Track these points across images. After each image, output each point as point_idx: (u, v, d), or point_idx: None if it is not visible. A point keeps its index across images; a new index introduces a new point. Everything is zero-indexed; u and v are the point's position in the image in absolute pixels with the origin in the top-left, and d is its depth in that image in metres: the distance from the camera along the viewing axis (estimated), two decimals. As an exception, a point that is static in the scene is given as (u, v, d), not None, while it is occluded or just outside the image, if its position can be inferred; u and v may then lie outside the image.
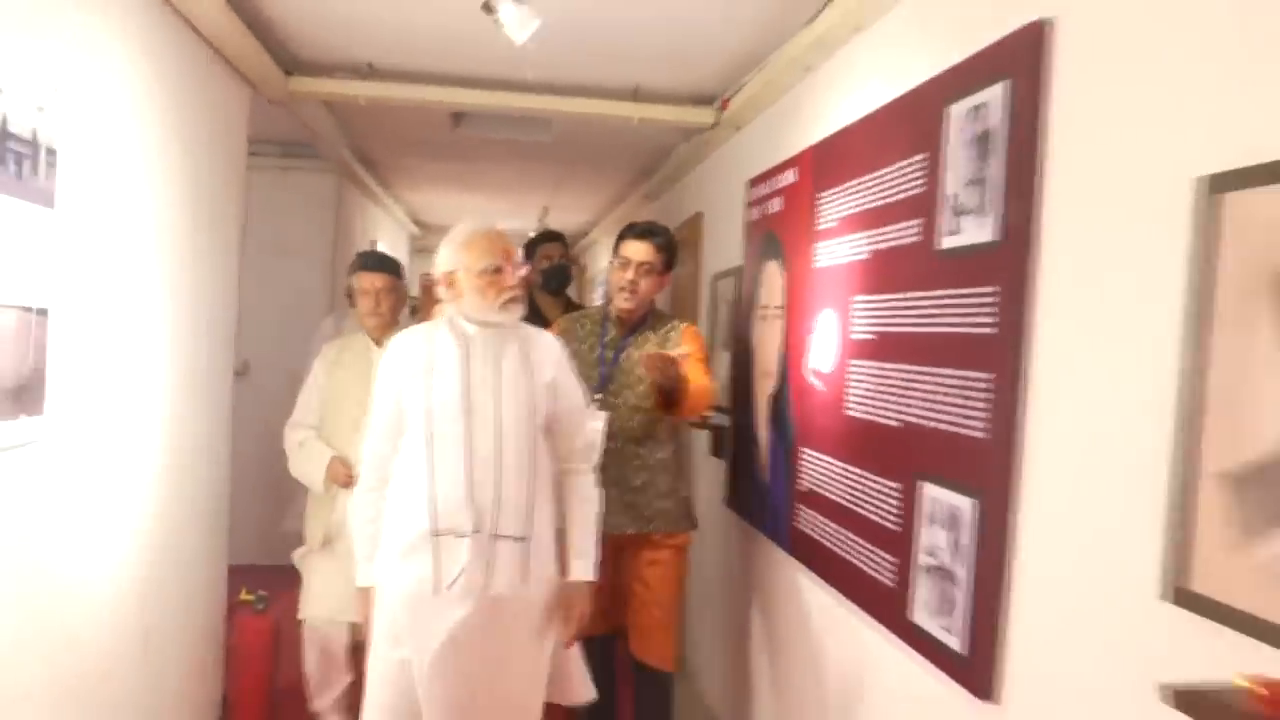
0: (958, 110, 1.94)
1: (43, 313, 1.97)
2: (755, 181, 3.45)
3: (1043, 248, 1.66)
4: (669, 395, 2.78)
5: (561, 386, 2.46)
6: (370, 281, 3.21)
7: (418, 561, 2.28)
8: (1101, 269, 1.51)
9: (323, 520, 3.15)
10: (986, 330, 1.79)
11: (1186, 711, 1.13)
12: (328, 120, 4.33)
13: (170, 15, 2.64)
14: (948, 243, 1.96)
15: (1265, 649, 1.14)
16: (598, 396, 2.94)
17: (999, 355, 1.74)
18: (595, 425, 2.77)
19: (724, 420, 3.66)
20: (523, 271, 2.41)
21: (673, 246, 3.08)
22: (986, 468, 1.77)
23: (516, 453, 2.33)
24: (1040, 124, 1.68)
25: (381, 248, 6.03)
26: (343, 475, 3.02)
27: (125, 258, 2.43)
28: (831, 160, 2.69)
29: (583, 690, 2.55)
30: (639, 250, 2.98)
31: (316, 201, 5.33)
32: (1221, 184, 1.24)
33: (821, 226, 2.72)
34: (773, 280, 3.18)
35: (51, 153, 1.97)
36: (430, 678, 2.29)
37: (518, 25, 2.34)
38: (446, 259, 2.37)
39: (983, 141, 1.84)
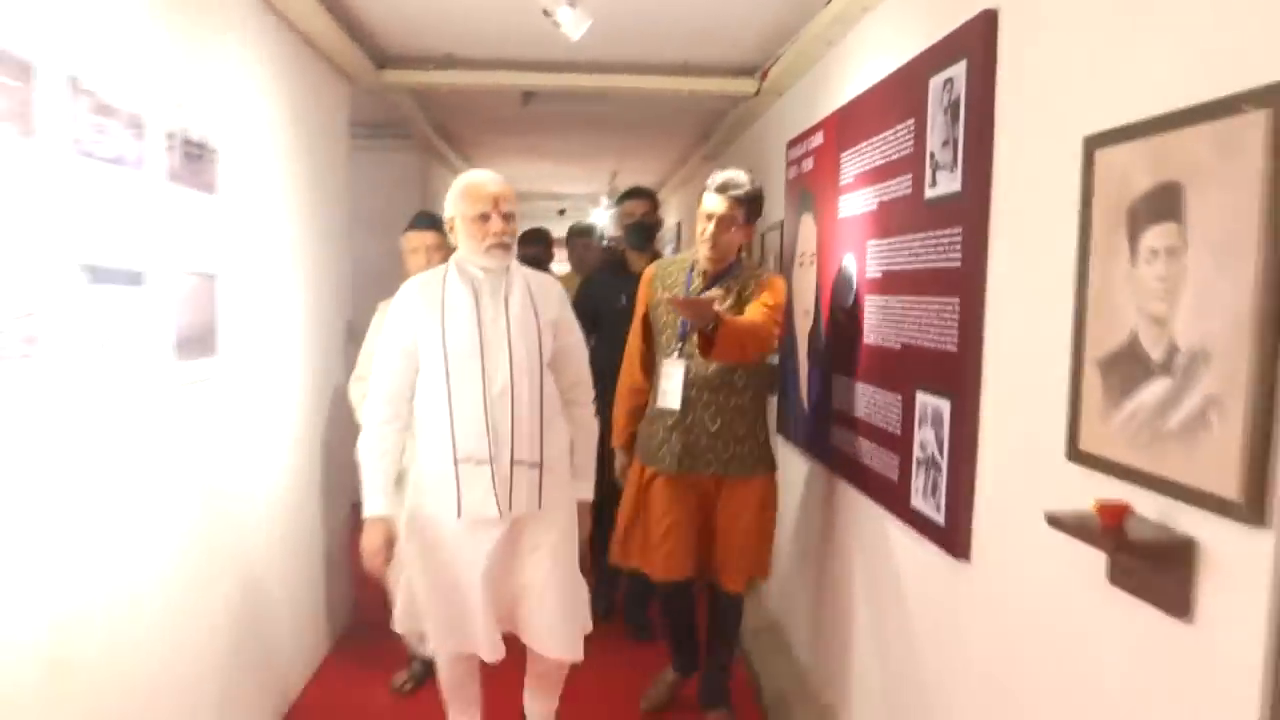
0: (935, 82, 2.34)
1: (211, 277, 2.53)
2: (792, 143, 3.86)
3: (992, 195, 2.07)
4: (707, 337, 2.81)
5: (562, 324, 2.66)
6: (420, 240, 3.33)
7: (444, 488, 2.48)
8: (1028, 212, 1.92)
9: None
10: (955, 265, 2.20)
11: (1056, 528, 1.58)
12: (413, 104, 4.86)
13: (285, 28, 3.17)
14: (929, 194, 2.37)
15: (1121, 484, 1.56)
16: (679, 344, 3.07)
17: (964, 284, 2.16)
18: (672, 373, 3.02)
19: (773, 360, 4.07)
20: (508, 221, 2.50)
21: (755, 198, 3.06)
22: (959, 374, 2.19)
23: (528, 386, 2.51)
24: (991, 94, 2.08)
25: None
26: None
27: (265, 232, 2.99)
28: (850, 124, 3.09)
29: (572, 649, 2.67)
30: (716, 203, 3.01)
31: (404, 177, 5.88)
32: (1094, 143, 1.64)
33: (843, 183, 3.13)
34: (807, 231, 3.60)
35: (213, 151, 2.52)
36: (473, 593, 2.51)
37: (573, 26, 2.79)
38: (449, 206, 2.55)
39: (953, 109, 2.24)
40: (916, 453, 2.44)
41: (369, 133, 5.62)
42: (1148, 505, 1.49)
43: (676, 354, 3.07)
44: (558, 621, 2.59)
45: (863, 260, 2.90)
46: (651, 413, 3.15)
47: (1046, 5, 1.89)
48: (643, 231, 4.18)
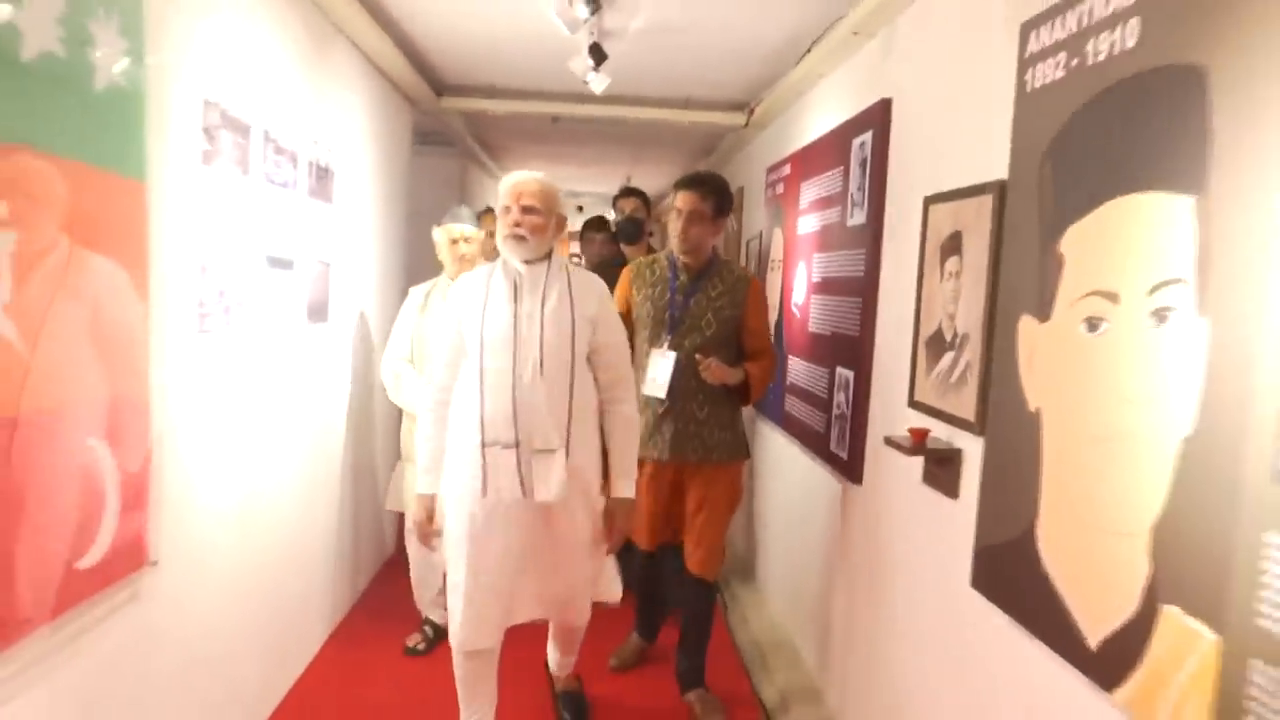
0: (855, 142, 3.25)
1: (327, 264, 3.46)
2: (770, 169, 4.77)
3: (884, 228, 2.98)
4: (740, 391, 3.25)
5: (602, 322, 2.72)
6: (453, 232, 3.63)
7: (472, 470, 2.60)
8: (899, 241, 2.83)
9: None
10: (860, 274, 3.11)
11: (889, 445, 2.49)
12: (461, 122, 5.77)
13: (372, 69, 4.09)
14: (849, 222, 3.28)
15: (931, 419, 2.47)
16: (669, 336, 3.22)
17: (865, 289, 3.07)
18: (656, 365, 3.18)
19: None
20: (520, 216, 2.59)
21: (722, 193, 3.24)
22: (860, 352, 3.10)
23: (556, 377, 2.60)
24: (885, 158, 2.98)
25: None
26: None
27: (357, 228, 3.91)
28: (806, 162, 4.00)
29: (613, 589, 2.93)
30: (686, 199, 3.18)
31: (445, 178, 6.79)
32: (928, 201, 2.55)
33: (801, 207, 4.04)
34: (778, 242, 4.51)
35: (331, 172, 3.45)
36: (498, 566, 2.65)
37: (597, 84, 3.68)
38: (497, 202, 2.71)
39: (863, 164, 3.15)
40: (835, 410, 3.36)
41: (419, 140, 6.54)
42: (940, 430, 2.41)
43: (666, 345, 3.21)
44: (579, 595, 2.81)
45: (810, 268, 3.81)
46: (639, 401, 3.14)
47: (912, 106, 2.80)
48: (631, 226, 4.64)
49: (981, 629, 2.13)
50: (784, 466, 4.22)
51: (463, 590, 2.65)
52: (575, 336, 2.63)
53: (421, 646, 3.72)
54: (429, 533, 2.74)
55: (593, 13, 2.89)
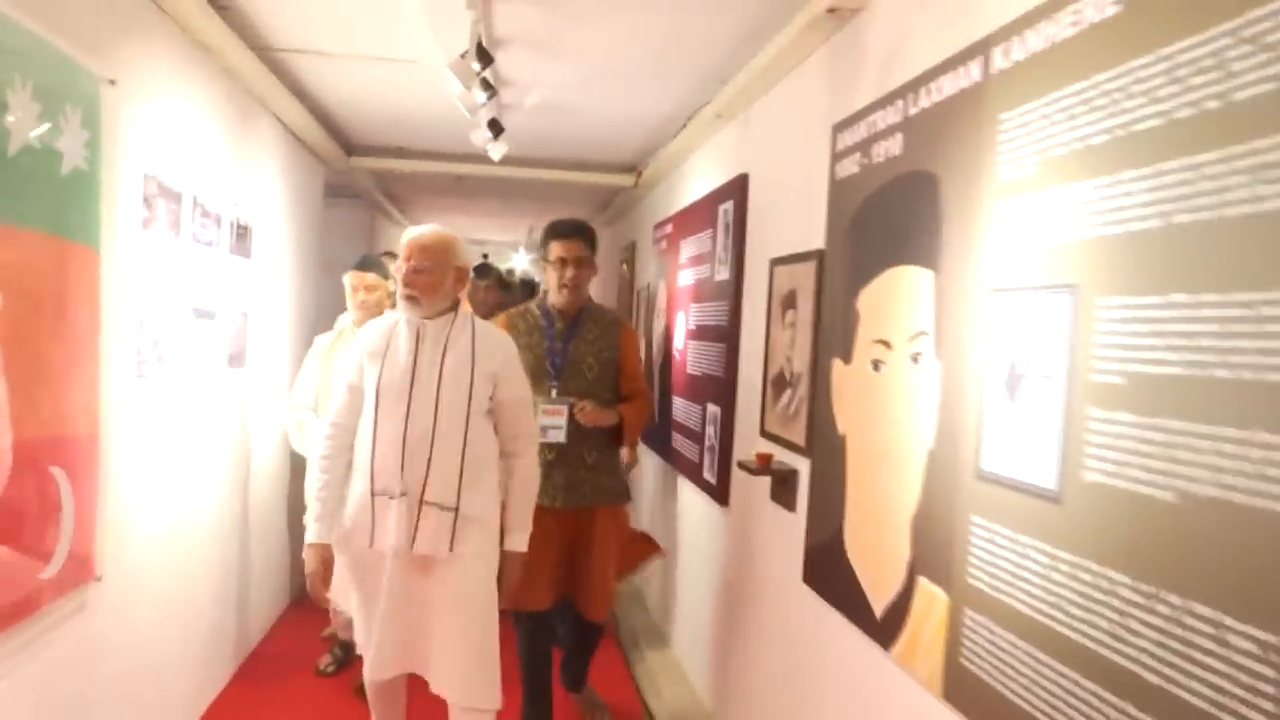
0: (722, 208, 3.75)
1: (245, 314, 3.77)
2: (657, 226, 5.25)
3: (744, 284, 3.46)
4: (616, 432, 3.40)
5: (503, 377, 2.71)
6: (359, 279, 3.76)
7: (360, 519, 2.62)
8: (754, 296, 3.31)
9: None
10: (725, 324, 3.59)
11: (741, 469, 2.94)
12: (369, 178, 6.12)
13: (287, 134, 4.43)
14: (717, 278, 3.76)
15: (775, 445, 2.93)
16: (554, 383, 3.30)
17: (729, 336, 3.54)
18: (550, 412, 3.25)
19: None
20: (400, 273, 2.63)
21: (594, 238, 3.43)
22: (726, 391, 3.56)
23: (449, 431, 2.59)
24: (744, 223, 3.48)
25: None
26: None
27: (272, 281, 4.23)
28: (684, 222, 4.49)
29: (491, 694, 2.65)
30: (573, 248, 3.30)
31: (355, 229, 7.11)
32: (774, 263, 3.03)
33: (681, 261, 4.52)
34: (662, 292, 4.98)
35: (250, 229, 3.78)
36: (379, 620, 2.63)
37: (495, 152, 4.11)
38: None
39: (727, 228, 3.64)
40: (707, 442, 3.81)
41: (330, 194, 6.85)
42: (783, 455, 2.87)
43: (554, 393, 3.31)
44: (472, 670, 2.61)
45: (688, 316, 4.28)
46: None
47: (763, 181, 3.31)
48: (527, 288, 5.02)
49: (807, 615, 2.58)
50: (675, 501, 4.65)
51: (361, 623, 2.72)
52: (473, 391, 2.62)
53: (331, 669, 3.93)
54: (319, 588, 2.69)
55: (490, 98, 3.30)
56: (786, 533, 2.81)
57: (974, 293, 1.74)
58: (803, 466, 2.70)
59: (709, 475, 3.74)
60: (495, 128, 3.88)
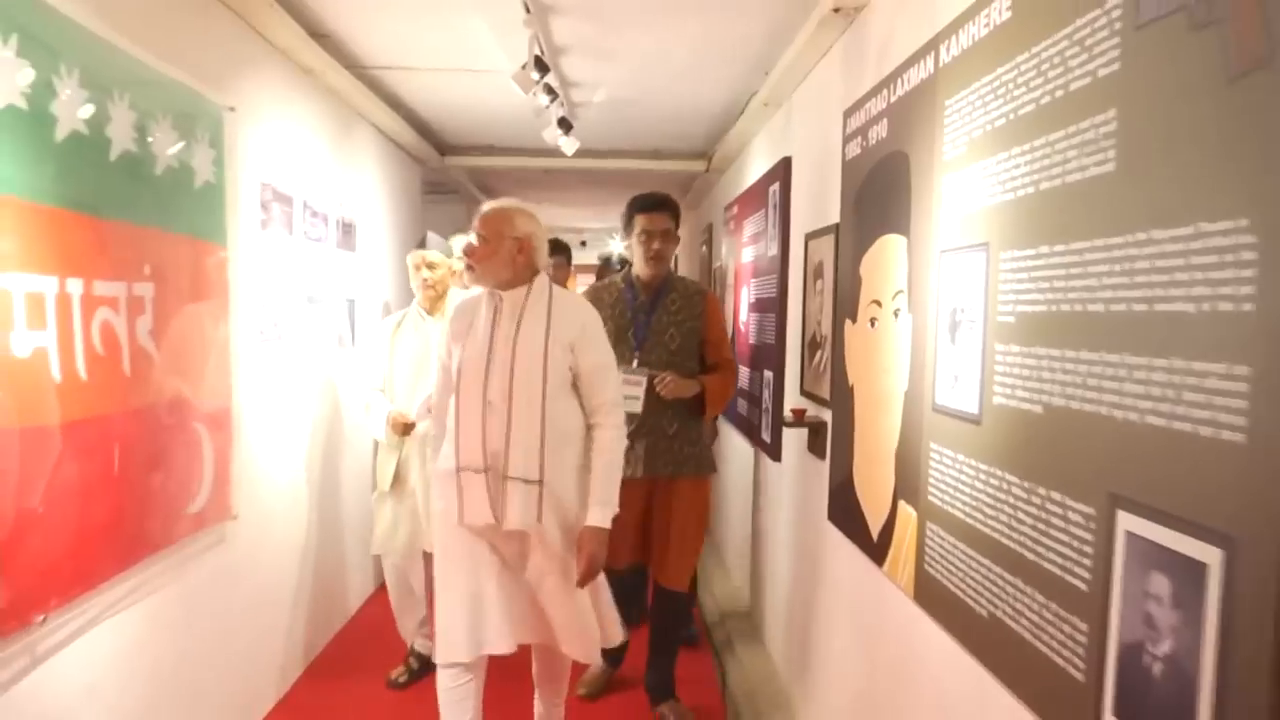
0: (771, 189, 4.06)
1: (351, 300, 4.30)
2: (726, 208, 5.59)
3: (789, 258, 3.77)
4: (700, 402, 3.35)
5: (581, 346, 2.63)
6: (419, 258, 3.69)
7: (449, 494, 2.63)
8: (795, 266, 3.63)
9: (391, 464, 3.57)
10: (774, 295, 3.91)
11: (783, 425, 3.27)
12: (464, 174, 6.64)
13: (385, 139, 4.95)
14: (769, 253, 4.09)
15: (809, 401, 3.25)
16: (636, 353, 3.32)
17: (778, 306, 3.87)
18: (629, 383, 3.20)
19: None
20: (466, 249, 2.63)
21: (678, 211, 3.44)
22: (777, 357, 3.89)
23: (527, 404, 2.55)
24: (789, 203, 3.79)
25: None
26: (401, 425, 3.49)
27: (375, 271, 4.76)
28: (745, 204, 4.81)
29: (614, 631, 2.79)
30: (660, 221, 3.32)
31: (451, 221, 7.67)
32: (807, 237, 3.35)
33: (743, 240, 4.85)
34: (730, 270, 5.32)
35: (354, 225, 4.30)
36: (473, 586, 2.62)
37: (568, 147, 4.52)
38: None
39: (776, 206, 3.96)
40: (763, 405, 4.14)
41: (428, 191, 7.42)
42: (814, 409, 3.19)
43: (635, 363, 3.30)
44: (575, 632, 2.69)
45: (749, 290, 4.61)
46: None
47: (802, 163, 3.61)
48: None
49: (829, 547, 2.91)
50: (733, 454, 5.00)
51: (442, 603, 2.67)
52: (549, 361, 2.57)
53: (403, 679, 3.68)
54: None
55: (552, 101, 3.71)
56: (817, 478, 3.13)
57: (930, 254, 2.05)
58: (829, 418, 3.01)
59: (765, 435, 4.08)
60: (565, 125, 4.29)
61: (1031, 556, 1.53)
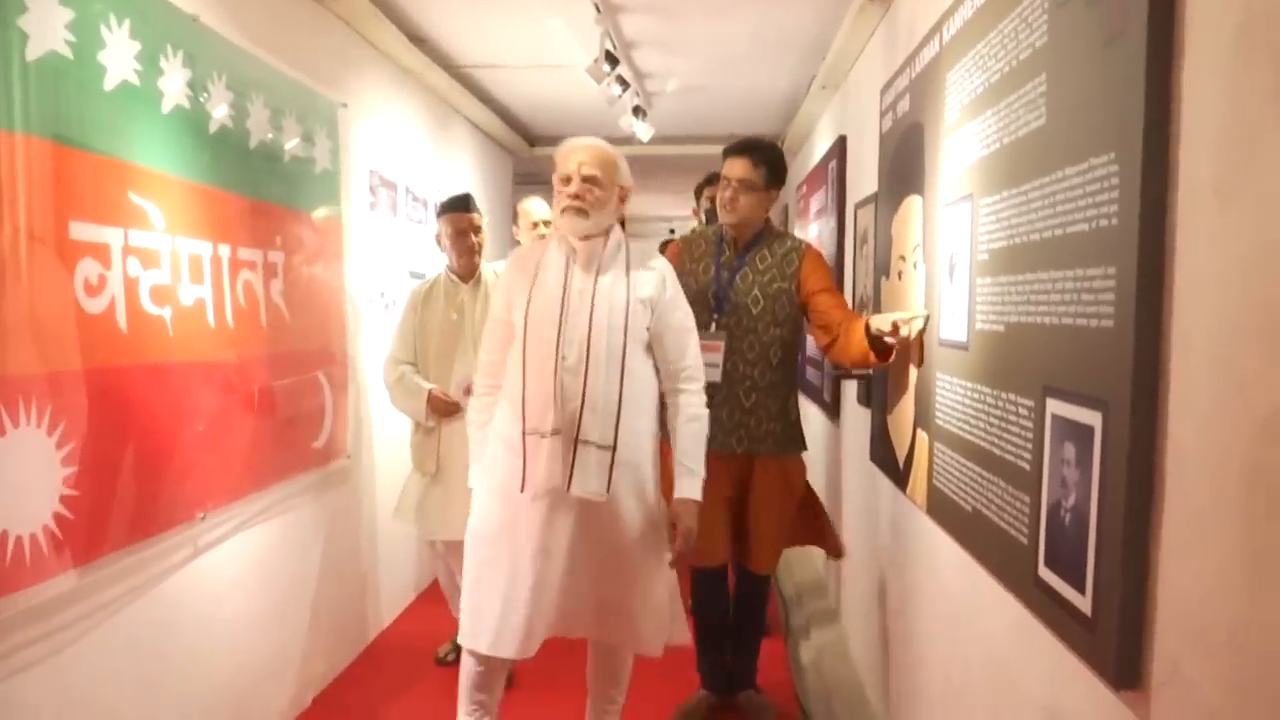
0: (830, 166, 4.36)
1: (449, 277, 4.76)
2: (798, 187, 5.88)
3: (845, 226, 4.07)
4: (786, 373, 3.03)
5: (661, 305, 2.46)
6: (454, 223, 3.36)
7: (511, 460, 2.37)
8: (847, 235, 3.92)
9: (432, 451, 3.32)
10: (833, 264, 4.21)
11: (835, 376, 3.58)
12: (550, 164, 7.09)
13: (479, 132, 5.41)
14: (829, 226, 4.38)
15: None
16: (715, 316, 2.97)
17: (838, 264, 4.16)
18: (707, 349, 2.80)
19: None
20: (579, 187, 2.37)
21: (775, 162, 3.02)
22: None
23: (605, 362, 2.34)
24: (844, 177, 4.08)
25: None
26: (444, 407, 3.23)
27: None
28: (811, 181, 5.11)
29: (679, 630, 2.56)
30: (735, 167, 2.97)
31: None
32: (856, 206, 3.64)
33: (810, 215, 5.14)
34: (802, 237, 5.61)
35: (450, 211, 4.76)
36: (524, 578, 2.35)
37: (643, 133, 4.90)
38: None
39: (834, 182, 4.25)
40: (824, 370, 4.44)
41: (519, 180, 7.91)
42: (861, 363, 3.49)
43: (712, 326, 2.96)
44: (640, 620, 2.47)
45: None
46: None
47: (854, 141, 3.90)
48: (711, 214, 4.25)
49: (870, 483, 3.21)
50: (810, 430, 5.29)
51: (473, 583, 2.42)
52: (629, 319, 2.39)
53: (452, 656, 3.51)
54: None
55: (624, 92, 4.09)
56: (864, 424, 3.43)
57: (938, 209, 2.35)
58: (871, 370, 3.31)
59: (826, 397, 4.38)
60: (639, 113, 4.66)
61: (998, 452, 1.84)
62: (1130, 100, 1.29)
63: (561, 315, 2.36)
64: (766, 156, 3.00)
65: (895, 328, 2.44)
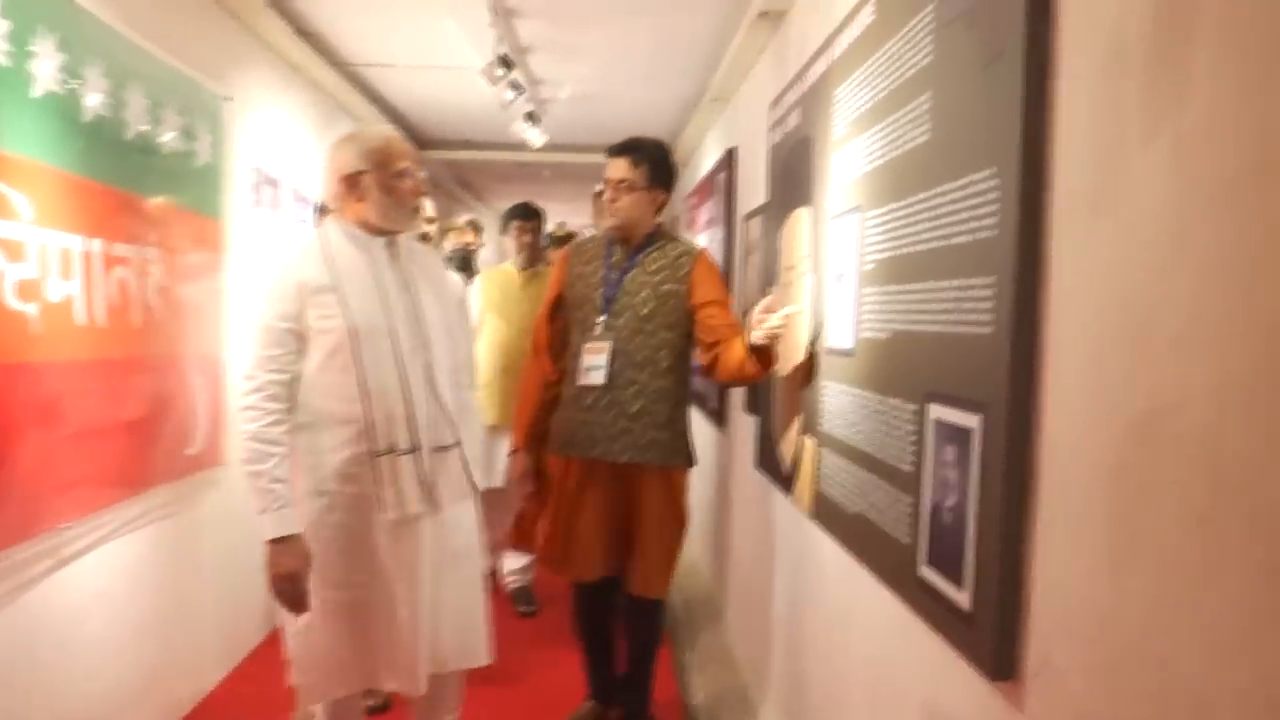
0: (719, 178, 4.44)
1: (334, 280, 4.63)
2: (687, 198, 5.96)
3: (734, 238, 4.14)
4: (677, 380, 2.91)
5: (451, 298, 2.41)
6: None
7: (359, 487, 2.17)
8: (738, 242, 3.99)
9: None
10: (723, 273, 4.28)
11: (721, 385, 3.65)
12: (443, 167, 7.00)
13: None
14: (718, 237, 4.46)
15: (748, 366, 3.63)
16: (601, 319, 2.88)
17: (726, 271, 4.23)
18: (593, 350, 2.86)
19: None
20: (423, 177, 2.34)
21: (658, 160, 2.96)
22: (723, 331, 4.25)
23: (442, 365, 2.28)
24: (734, 189, 4.16)
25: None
26: None
27: (355, 256, 5.10)
28: (700, 192, 5.19)
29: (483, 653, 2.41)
30: (614, 168, 2.93)
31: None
32: (745, 217, 3.72)
33: (699, 227, 5.22)
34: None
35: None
36: (397, 611, 2.21)
37: (535, 139, 4.89)
38: (352, 159, 2.20)
39: (723, 193, 4.33)
40: (714, 376, 4.51)
41: (409, 184, 7.78)
42: (750, 371, 3.56)
43: (600, 328, 2.89)
44: (478, 626, 2.37)
45: (704, 274, 4.98)
46: (567, 396, 2.95)
47: (743, 153, 3.98)
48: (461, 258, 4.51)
49: (757, 490, 3.28)
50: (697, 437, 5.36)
51: (329, 635, 2.21)
52: (447, 317, 2.38)
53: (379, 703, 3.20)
54: (305, 592, 2.15)
55: (517, 96, 4.07)
56: (750, 431, 3.50)
57: (826, 220, 2.42)
58: (760, 377, 3.38)
59: (713, 404, 4.45)
60: (532, 119, 4.65)
61: (882, 456, 1.90)
62: (1009, 118, 1.36)
63: (391, 322, 2.21)
64: (647, 155, 2.95)
65: (771, 334, 2.52)
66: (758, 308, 2.52)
